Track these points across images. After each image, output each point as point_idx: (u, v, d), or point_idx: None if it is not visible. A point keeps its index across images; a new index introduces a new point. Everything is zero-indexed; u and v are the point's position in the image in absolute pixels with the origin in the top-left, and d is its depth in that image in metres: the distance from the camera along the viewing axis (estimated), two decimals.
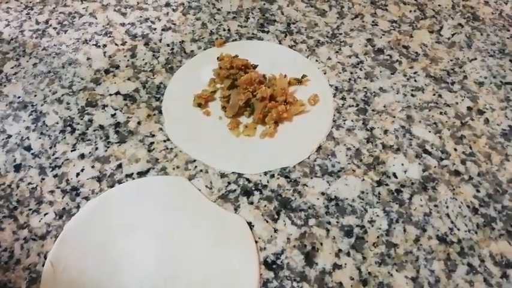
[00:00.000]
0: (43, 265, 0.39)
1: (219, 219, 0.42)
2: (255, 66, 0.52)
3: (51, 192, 0.44)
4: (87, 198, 0.43)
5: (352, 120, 0.49)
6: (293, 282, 0.38)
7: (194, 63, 0.54)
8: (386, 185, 0.44)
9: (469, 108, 0.50)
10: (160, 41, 0.57)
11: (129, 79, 0.53)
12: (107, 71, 0.54)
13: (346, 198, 0.43)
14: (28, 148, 0.47)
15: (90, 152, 0.47)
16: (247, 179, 0.45)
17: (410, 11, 0.61)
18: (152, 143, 0.47)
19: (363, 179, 0.44)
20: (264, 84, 0.49)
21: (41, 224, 0.42)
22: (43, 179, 0.45)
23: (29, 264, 0.40)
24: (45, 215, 0.43)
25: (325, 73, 0.53)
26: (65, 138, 0.48)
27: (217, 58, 0.51)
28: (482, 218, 0.41)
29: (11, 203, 0.43)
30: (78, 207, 0.43)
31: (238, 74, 0.49)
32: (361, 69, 0.53)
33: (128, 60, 0.55)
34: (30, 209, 0.43)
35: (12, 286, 0.38)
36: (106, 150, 0.47)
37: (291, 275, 0.38)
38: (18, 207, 0.43)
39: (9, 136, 0.48)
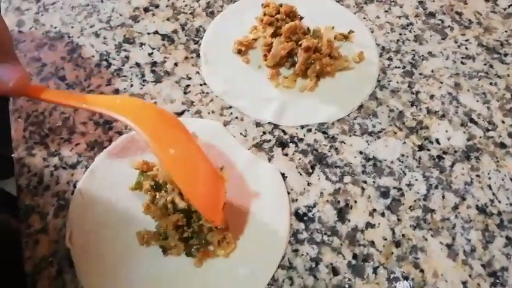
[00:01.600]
0: (72, 193, 0.39)
1: (252, 166, 0.40)
2: (301, 18, 0.49)
3: (84, 123, 0.43)
4: (120, 133, 0.43)
5: (397, 82, 0.46)
6: (323, 235, 0.37)
7: (236, 9, 0.52)
8: (428, 150, 0.42)
9: None
10: None
11: (168, 19, 0.51)
12: (146, 9, 0.52)
13: (385, 160, 0.41)
14: (62, 78, 0.46)
15: (125, 88, 0.46)
16: (283, 131, 0.43)
17: None
18: (188, 85, 0.46)
19: (404, 142, 0.42)
20: (309, 35, 0.47)
21: (72, 154, 0.41)
22: (76, 110, 0.44)
23: (58, 192, 0.39)
24: (76, 145, 0.42)
25: (372, 31, 0.50)
26: (100, 72, 0.47)
27: (262, 5, 0.49)
28: None
29: (43, 130, 0.43)
30: (110, 140, 0.42)
31: (283, 21, 0.47)
32: (410, 32, 0.51)
33: (168, 1, 0.53)
34: (62, 138, 0.42)
35: (40, 211, 0.38)
36: (141, 88, 0.46)
37: (322, 228, 0.38)
38: (50, 135, 0.43)
39: (44, 65, 0.47)
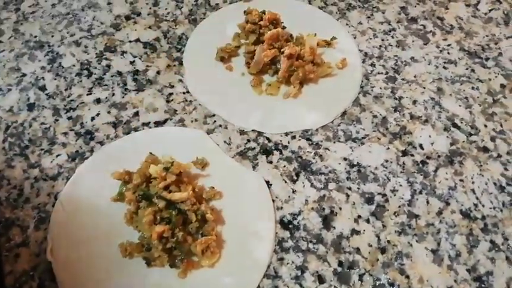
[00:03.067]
0: (53, 205, 0.38)
1: (237, 174, 0.40)
2: (283, 27, 0.49)
3: (65, 134, 0.43)
4: (101, 143, 0.42)
5: (380, 88, 0.47)
6: (309, 243, 0.37)
7: (219, 16, 0.52)
8: (412, 155, 0.42)
9: (502, 86, 0.47)
10: None
11: (150, 27, 0.51)
12: (127, 17, 0.52)
13: (369, 166, 0.41)
14: (43, 88, 0.46)
15: (106, 98, 0.45)
16: (268, 138, 0.43)
17: None
18: (171, 93, 0.46)
19: (388, 148, 0.42)
20: (291, 42, 0.47)
21: (53, 165, 0.41)
22: (57, 120, 0.43)
23: (38, 204, 0.38)
24: (57, 156, 0.41)
25: (355, 38, 0.51)
26: (81, 81, 0.46)
27: (244, 12, 0.49)
28: (508, 197, 0.40)
29: (23, 141, 0.42)
30: (91, 151, 0.41)
31: (266, 28, 0.47)
32: (392, 37, 0.51)
33: (150, 8, 0.53)
34: (42, 149, 0.42)
35: (21, 224, 0.37)
36: (123, 97, 0.45)
37: (307, 236, 0.37)
38: (30, 147, 0.42)
39: (24, 75, 0.47)
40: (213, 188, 0.38)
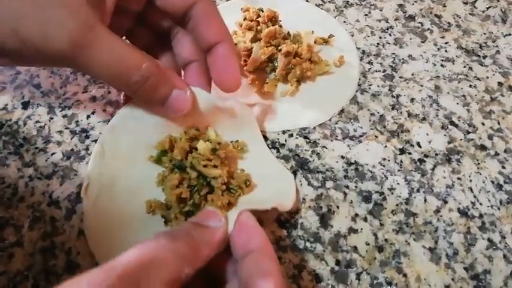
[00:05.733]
0: (47, 204, 0.38)
1: (270, 167, 0.39)
2: (280, 26, 0.49)
3: (60, 132, 0.42)
4: (96, 142, 0.41)
5: (378, 86, 0.46)
6: (306, 242, 0.37)
7: None
8: (409, 153, 0.42)
9: (500, 84, 0.47)
10: None
11: None
12: None
13: (367, 164, 0.41)
14: (37, 86, 0.45)
15: (102, 95, 0.45)
16: (265, 136, 0.43)
17: None
18: None
19: (385, 146, 0.42)
20: (289, 40, 0.47)
21: (48, 164, 0.40)
22: (52, 118, 0.43)
23: (33, 203, 0.38)
24: (52, 154, 0.41)
25: (352, 35, 0.50)
26: (76, 79, 0.46)
27: (241, 9, 0.48)
28: (506, 195, 0.40)
29: (17, 139, 0.42)
30: (87, 149, 0.41)
31: (264, 24, 0.46)
32: (390, 35, 0.51)
33: None
34: (36, 148, 0.41)
35: (15, 223, 0.37)
36: (119, 95, 0.45)
37: (305, 235, 0.37)
38: (25, 145, 0.41)
39: (19, 72, 0.46)
40: (244, 171, 0.38)
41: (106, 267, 0.22)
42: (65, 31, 0.27)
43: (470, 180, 0.41)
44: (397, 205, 0.39)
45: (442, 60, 0.49)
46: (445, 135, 0.43)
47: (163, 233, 0.26)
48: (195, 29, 0.33)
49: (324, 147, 0.42)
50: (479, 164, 0.42)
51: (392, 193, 0.40)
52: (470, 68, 0.48)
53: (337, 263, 0.36)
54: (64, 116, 0.43)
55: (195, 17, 0.33)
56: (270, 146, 0.42)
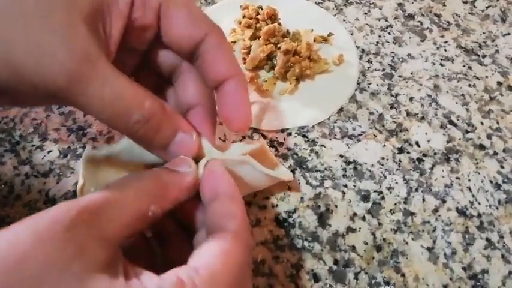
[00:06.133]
0: (44, 202, 0.38)
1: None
2: (279, 24, 0.49)
3: (57, 130, 0.42)
4: (94, 139, 0.41)
5: (377, 85, 0.46)
6: (304, 241, 0.37)
7: (215, 12, 0.51)
8: (408, 152, 0.42)
9: (499, 83, 0.47)
10: None
11: None
12: None
13: (365, 163, 0.41)
14: None
15: None
16: (263, 135, 0.42)
17: None
18: None
19: (384, 145, 0.42)
20: (288, 38, 0.46)
21: (44, 161, 0.40)
22: (48, 115, 0.43)
23: (29, 201, 0.38)
24: (48, 152, 0.41)
25: (352, 34, 0.50)
26: None
27: (241, 7, 0.48)
28: (504, 194, 0.40)
29: (14, 137, 0.41)
30: (84, 147, 0.41)
31: (264, 22, 0.46)
32: (389, 34, 0.51)
33: None
34: (33, 145, 0.41)
35: (11, 221, 0.36)
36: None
37: (303, 234, 0.37)
38: (21, 143, 0.41)
39: None
40: None
41: (69, 202, 0.21)
42: (58, 62, 0.23)
43: (469, 180, 0.41)
44: (395, 204, 0.39)
45: (441, 60, 0.49)
46: (443, 134, 0.43)
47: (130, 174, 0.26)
48: (203, 66, 0.31)
49: (323, 146, 0.42)
50: (478, 163, 0.42)
51: (390, 192, 0.39)
52: (470, 68, 0.48)
53: (335, 262, 0.36)
54: (61, 114, 0.43)
55: (203, 53, 0.30)
56: (268, 145, 0.42)
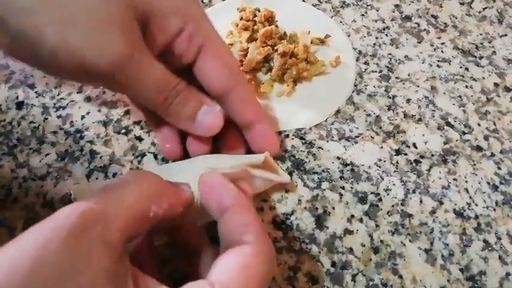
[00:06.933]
0: (41, 206, 0.38)
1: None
2: (276, 26, 0.49)
3: (54, 133, 0.42)
4: (91, 142, 0.41)
5: (374, 86, 0.46)
6: (302, 243, 0.37)
7: (212, 13, 0.51)
8: (405, 154, 0.42)
9: (496, 85, 0.47)
10: None
11: None
12: None
13: (362, 165, 0.41)
14: (32, 86, 0.45)
15: (97, 96, 0.44)
16: None
17: None
18: None
19: (381, 147, 0.42)
20: (285, 40, 0.46)
21: (42, 165, 0.40)
22: (46, 118, 0.43)
23: (27, 204, 0.38)
24: (46, 155, 0.41)
25: (349, 35, 0.50)
26: None
27: (238, 9, 0.48)
28: (501, 196, 0.40)
29: (11, 140, 0.41)
30: (81, 150, 0.41)
31: (261, 24, 0.46)
32: (386, 35, 0.51)
33: None
34: (30, 148, 0.41)
35: (9, 225, 0.37)
36: (114, 95, 0.44)
37: (300, 236, 0.37)
38: (19, 146, 0.41)
39: (13, 72, 0.46)
40: None
41: (68, 207, 0.22)
42: (117, 48, 0.28)
43: (466, 181, 0.41)
44: (392, 206, 0.39)
45: (438, 61, 0.49)
46: (441, 136, 0.43)
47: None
48: (232, 111, 0.36)
49: (320, 148, 0.42)
50: (475, 164, 0.42)
51: (388, 194, 0.39)
52: (467, 69, 0.48)
53: (333, 264, 0.36)
54: (58, 117, 0.43)
55: (232, 103, 0.35)
56: None
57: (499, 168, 0.41)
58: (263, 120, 0.37)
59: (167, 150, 0.38)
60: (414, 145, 0.42)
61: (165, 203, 0.26)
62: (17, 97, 0.44)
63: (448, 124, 0.44)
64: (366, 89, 0.46)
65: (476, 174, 0.41)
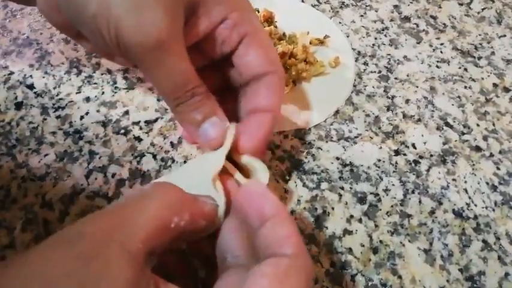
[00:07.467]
0: (40, 206, 0.37)
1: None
2: (275, 27, 0.49)
3: (53, 133, 0.42)
4: (90, 143, 0.41)
5: (373, 87, 0.46)
6: None
7: None
8: (404, 154, 0.42)
9: (495, 85, 0.47)
10: None
11: None
12: None
13: (362, 165, 0.41)
14: (31, 87, 0.45)
15: (96, 96, 0.44)
16: None
17: None
18: None
19: (380, 147, 0.42)
20: (284, 40, 0.47)
21: (41, 165, 0.40)
22: (45, 119, 0.43)
23: (26, 205, 0.38)
24: (45, 155, 0.40)
25: (348, 36, 0.50)
26: (70, 79, 0.45)
27: None
28: (500, 196, 0.40)
29: (10, 141, 0.41)
30: (80, 150, 0.41)
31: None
32: (385, 36, 0.51)
33: None
34: (29, 149, 0.41)
35: (7, 225, 0.37)
36: (113, 96, 0.44)
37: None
38: (17, 146, 0.41)
39: (12, 73, 0.46)
40: None
41: (85, 219, 0.23)
42: (157, 27, 0.27)
43: (465, 182, 0.41)
44: (392, 206, 0.39)
45: (437, 61, 0.49)
46: (440, 136, 0.43)
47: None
48: (252, 92, 0.35)
49: (319, 148, 0.42)
50: (474, 165, 0.42)
51: (387, 194, 0.39)
52: (466, 69, 0.48)
53: (332, 264, 0.36)
54: (57, 117, 0.43)
55: (260, 87, 0.34)
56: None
57: (498, 168, 0.42)
58: (278, 111, 0.36)
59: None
60: (413, 145, 0.43)
61: (186, 214, 0.25)
62: (16, 97, 0.44)
63: (447, 124, 0.44)
64: (365, 89, 0.46)
65: (475, 175, 0.41)
